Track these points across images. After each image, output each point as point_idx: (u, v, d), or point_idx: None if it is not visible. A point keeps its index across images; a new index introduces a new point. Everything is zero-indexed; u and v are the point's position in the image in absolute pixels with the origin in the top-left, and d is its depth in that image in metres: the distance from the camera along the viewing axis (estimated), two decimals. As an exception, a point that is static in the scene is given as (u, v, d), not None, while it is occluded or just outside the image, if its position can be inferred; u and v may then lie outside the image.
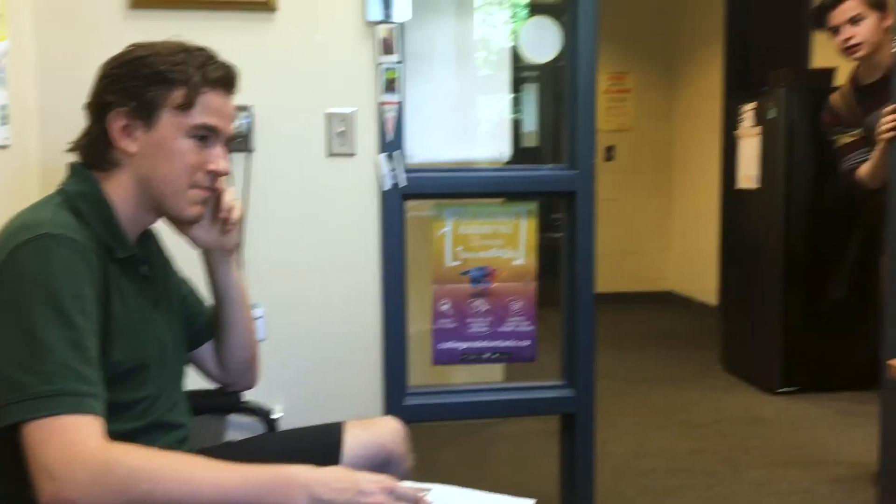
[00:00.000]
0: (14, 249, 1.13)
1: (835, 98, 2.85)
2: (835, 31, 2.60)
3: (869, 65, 2.67)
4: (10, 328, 1.08)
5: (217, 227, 1.44)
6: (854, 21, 2.54)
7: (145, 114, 1.25)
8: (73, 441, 1.03)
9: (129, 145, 1.26)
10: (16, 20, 1.86)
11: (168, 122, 1.26)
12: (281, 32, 2.13)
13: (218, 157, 1.31)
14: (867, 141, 2.74)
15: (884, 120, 2.36)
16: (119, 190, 1.28)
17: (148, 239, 1.40)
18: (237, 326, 1.53)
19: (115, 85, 1.25)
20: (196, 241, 1.46)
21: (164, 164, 1.27)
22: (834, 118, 2.84)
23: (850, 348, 3.92)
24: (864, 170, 2.79)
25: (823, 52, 2.78)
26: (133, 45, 1.30)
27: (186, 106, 1.26)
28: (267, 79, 2.13)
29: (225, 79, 1.31)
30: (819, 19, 2.63)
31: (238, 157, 2.13)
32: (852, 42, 2.57)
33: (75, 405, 1.05)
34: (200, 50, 1.30)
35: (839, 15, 2.56)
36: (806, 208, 3.96)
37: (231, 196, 1.44)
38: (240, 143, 2.12)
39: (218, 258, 1.48)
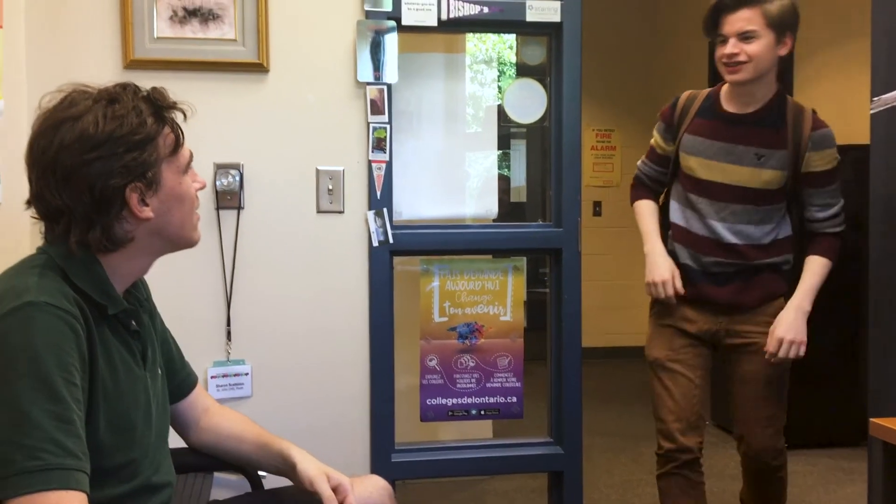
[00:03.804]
0: None
1: (684, 96, 2.38)
2: (723, 40, 2.16)
3: (741, 92, 2.25)
4: None
5: None
6: (745, 37, 2.11)
7: (153, 178, 1.24)
8: None
9: (147, 214, 1.25)
10: (11, 80, 1.89)
11: (168, 173, 1.27)
12: (272, 92, 2.18)
13: (196, 175, 1.35)
14: (669, 161, 2.40)
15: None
16: (118, 252, 1.26)
17: (136, 288, 1.37)
18: None
19: (110, 166, 1.19)
20: None
21: (178, 210, 1.29)
22: (668, 114, 2.38)
23: (840, 404, 3.92)
24: (638, 203, 2.60)
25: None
26: (46, 125, 1.23)
27: (176, 147, 1.28)
28: (258, 138, 2.17)
29: (170, 103, 1.30)
30: (714, 20, 2.18)
31: (228, 214, 2.16)
32: (736, 59, 2.14)
33: (61, 480, 1.04)
34: (125, 90, 1.27)
35: (732, 23, 2.12)
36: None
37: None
38: (230, 200, 2.14)
39: None
